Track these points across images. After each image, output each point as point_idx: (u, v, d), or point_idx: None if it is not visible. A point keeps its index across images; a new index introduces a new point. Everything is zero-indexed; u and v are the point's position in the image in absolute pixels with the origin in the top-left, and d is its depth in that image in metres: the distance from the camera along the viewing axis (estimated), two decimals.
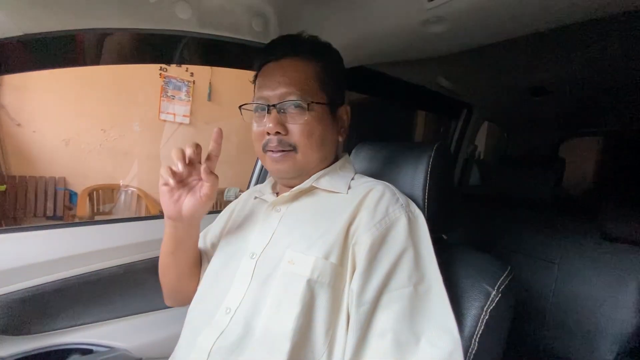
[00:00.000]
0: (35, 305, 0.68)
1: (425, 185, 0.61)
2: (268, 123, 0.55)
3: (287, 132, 0.55)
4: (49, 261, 0.70)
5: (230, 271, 0.56)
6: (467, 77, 1.21)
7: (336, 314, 0.48)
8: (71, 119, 2.78)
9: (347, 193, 0.56)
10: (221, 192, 3.41)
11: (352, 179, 0.60)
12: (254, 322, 0.49)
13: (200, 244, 0.70)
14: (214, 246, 0.67)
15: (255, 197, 0.67)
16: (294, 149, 0.55)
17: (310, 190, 0.59)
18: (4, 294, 0.64)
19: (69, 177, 2.82)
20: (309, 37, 0.60)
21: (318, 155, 0.57)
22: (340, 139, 0.62)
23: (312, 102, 0.54)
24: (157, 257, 0.82)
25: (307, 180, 0.58)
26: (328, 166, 0.61)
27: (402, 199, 0.54)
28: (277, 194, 0.64)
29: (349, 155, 0.77)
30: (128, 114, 3.02)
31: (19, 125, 2.62)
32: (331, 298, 0.48)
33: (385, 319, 0.45)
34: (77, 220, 2.68)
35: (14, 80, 2.56)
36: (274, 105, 0.55)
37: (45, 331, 0.70)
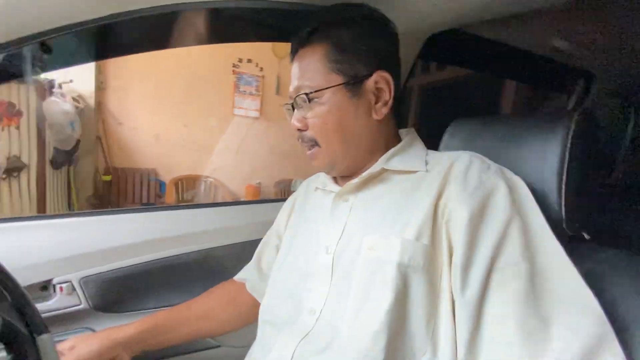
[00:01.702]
0: (125, 286, 0.71)
1: (561, 169, 0.46)
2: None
3: (307, 127, 0.53)
4: (138, 243, 0.72)
5: (306, 269, 0.52)
6: (588, 37, 0.95)
7: (435, 301, 0.42)
8: (159, 116, 3.09)
9: (426, 170, 0.49)
10: (288, 184, 3.51)
11: (427, 155, 0.53)
12: (340, 321, 0.44)
13: (273, 239, 0.68)
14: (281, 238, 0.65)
15: (317, 189, 0.62)
16: (316, 143, 0.53)
17: (381, 174, 0.51)
18: (98, 273, 0.68)
19: (158, 169, 3.16)
20: (322, 12, 0.54)
21: (342, 144, 0.52)
22: (376, 116, 0.52)
23: (318, 89, 0.50)
24: (239, 244, 0.81)
25: (376, 164, 0.52)
26: (379, 150, 0.53)
27: (494, 166, 0.47)
28: (340, 183, 0.57)
29: (443, 136, 0.65)
30: (206, 110, 3.25)
31: (120, 123, 3.01)
32: (427, 283, 0.42)
33: (502, 303, 0.38)
34: None
35: (115, 83, 2.93)
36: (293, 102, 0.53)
37: (133, 310, 0.73)
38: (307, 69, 0.51)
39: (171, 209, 0.84)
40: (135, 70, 2.95)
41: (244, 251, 0.75)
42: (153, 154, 3.12)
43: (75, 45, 0.57)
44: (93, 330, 0.69)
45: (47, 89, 2.32)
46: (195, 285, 0.74)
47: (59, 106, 2.34)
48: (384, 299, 0.41)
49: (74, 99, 2.54)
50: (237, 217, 0.84)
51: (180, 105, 3.13)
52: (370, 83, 0.51)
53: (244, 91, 3.45)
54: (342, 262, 0.48)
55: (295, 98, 0.52)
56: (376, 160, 0.53)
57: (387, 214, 0.47)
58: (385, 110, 0.52)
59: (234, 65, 3.35)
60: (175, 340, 0.63)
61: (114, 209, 0.76)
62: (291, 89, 0.53)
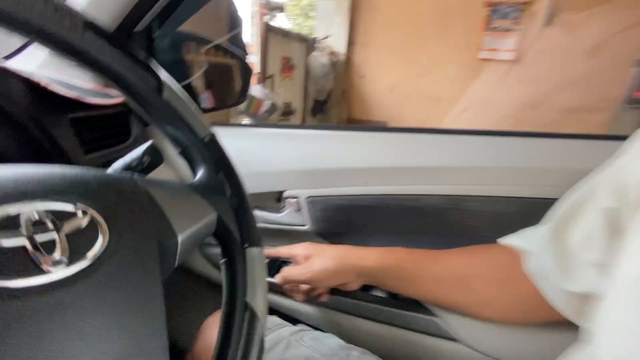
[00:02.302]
0: (350, 216, 0.57)
1: None
2: None
3: None
4: (372, 168, 0.55)
5: None
6: None
7: None
8: (396, 68, 3.02)
9: None
10: None
11: None
12: None
13: (603, 200, 0.33)
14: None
15: None
16: None
17: None
18: (325, 195, 0.57)
19: (389, 121, 3.17)
20: None
21: None
22: None
23: None
24: (513, 198, 0.49)
25: None
26: None
27: None
28: None
29: None
30: (445, 58, 2.86)
31: (361, 77, 3.19)
32: None
33: None
34: None
35: (362, 39, 3.07)
36: None
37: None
38: None
39: (419, 132, 0.60)
40: (380, 26, 2.97)
41: (522, 209, 0.43)
42: (387, 106, 3.15)
43: None
44: None
45: (311, 45, 2.72)
46: (438, 239, 0.51)
47: (318, 60, 2.70)
48: None
49: (329, 53, 2.86)
50: (515, 156, 0.51)
51: (418, 56, 2.91)
52: None
53: (497, 27, 2.74)
54: None
55: None
56: None
57: None
58: None
59: None
60: (411, 294, 0.48)
61: (352, 125, 0.63)
62: None
